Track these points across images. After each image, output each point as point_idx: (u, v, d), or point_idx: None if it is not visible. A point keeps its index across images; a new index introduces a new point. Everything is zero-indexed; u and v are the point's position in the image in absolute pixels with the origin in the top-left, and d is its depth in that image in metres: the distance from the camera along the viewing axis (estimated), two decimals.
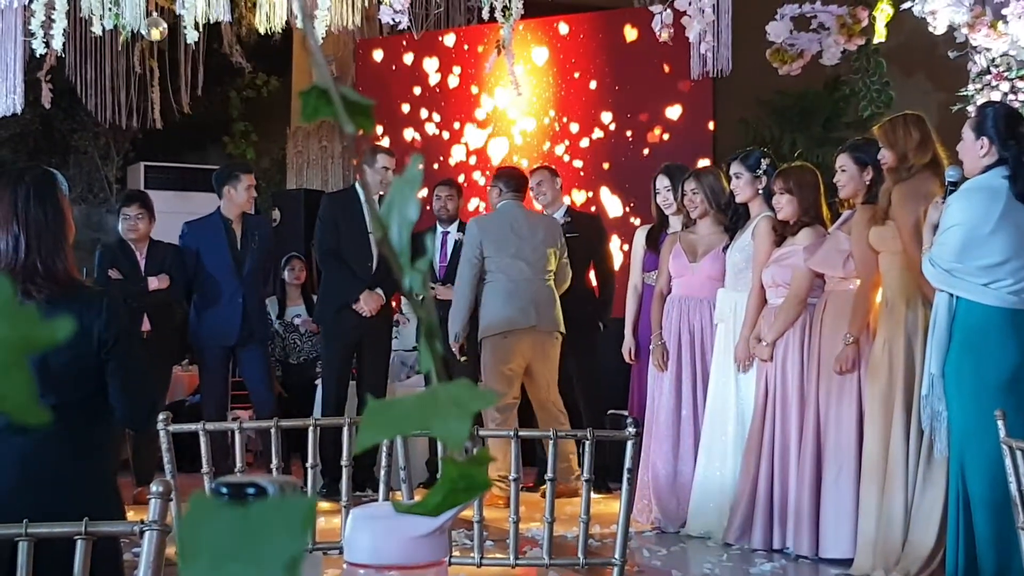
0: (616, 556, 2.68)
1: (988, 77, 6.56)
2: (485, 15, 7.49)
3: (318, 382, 7.71)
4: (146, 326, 6.89)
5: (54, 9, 7.04)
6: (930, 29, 6.34)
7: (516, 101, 7.50)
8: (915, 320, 4.88)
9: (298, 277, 8.84)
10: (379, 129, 9.44)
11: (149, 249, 7.16)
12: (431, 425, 0.62)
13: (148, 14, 7.47)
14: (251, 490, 0.67)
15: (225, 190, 7.19)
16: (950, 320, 4.45)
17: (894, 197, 4.87)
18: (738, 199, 5.98)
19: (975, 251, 4.38)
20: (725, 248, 6.06)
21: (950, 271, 4.42)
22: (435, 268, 7.44)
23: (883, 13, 6.28)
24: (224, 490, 0.66)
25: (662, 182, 6.61)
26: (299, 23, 7.43)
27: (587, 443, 2.77)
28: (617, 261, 8.24)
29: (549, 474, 2.82)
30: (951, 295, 4.45)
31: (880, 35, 6.54)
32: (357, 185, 7.41)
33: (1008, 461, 2.90)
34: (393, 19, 7.32)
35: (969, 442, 4.38)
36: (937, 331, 4.49)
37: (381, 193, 7.19)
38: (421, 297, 0.64)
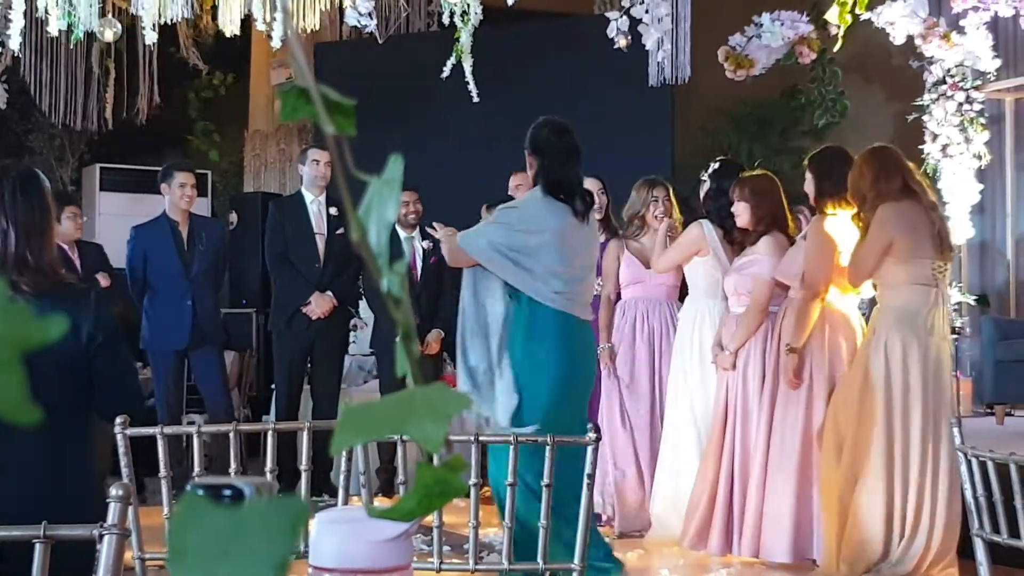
0: (575, 561, 2.68)
1: (944, 87, 6.64)
2: (445, 20, 7.49)
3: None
4: None
5: (11, 8, 6.97)
6: (891, 39, 6.41)
7: (473, 107, 7.50)
8: (905, 336, 4.94)
9: None
10: None
11: (79, 248, 7.11)
12: (407, 428, 0.62)
13: (104, 14, 7.40)
14: (228, 492, 0.67)
15: (163, 188, 7.16)
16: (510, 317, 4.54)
17: (872, 222, 4.92)
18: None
19: (524, 258, 4.50)
20: None
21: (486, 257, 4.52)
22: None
23: (844, 22, 6.35)
24: (200, 492, 0.66)
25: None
26: (258, 24, 7.39)
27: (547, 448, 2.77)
28: None
29: (509, 479, 2.81)
30: (510, 296, 4.54)
31: (838, 42, 6.59)
32: (303, 188, 7.35)
33: (964, 468, 2.92)
34: (359, 22, 7.29)
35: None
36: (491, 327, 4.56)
37: (322, 184, 7.22)
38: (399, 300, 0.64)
